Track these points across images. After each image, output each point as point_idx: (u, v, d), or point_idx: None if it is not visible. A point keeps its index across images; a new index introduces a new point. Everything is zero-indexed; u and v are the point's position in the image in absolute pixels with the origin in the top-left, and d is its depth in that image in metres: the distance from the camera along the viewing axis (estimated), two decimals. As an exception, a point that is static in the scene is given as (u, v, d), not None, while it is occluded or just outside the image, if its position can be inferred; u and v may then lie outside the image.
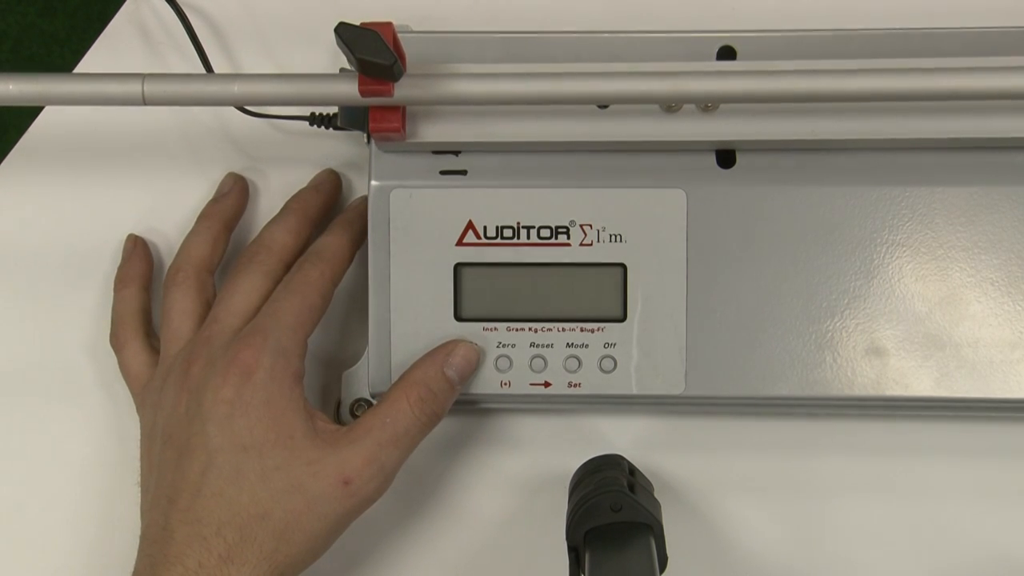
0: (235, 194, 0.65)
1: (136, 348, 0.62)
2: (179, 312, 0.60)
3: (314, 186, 0.65)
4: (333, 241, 0.61)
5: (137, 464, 0.60)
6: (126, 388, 0.62)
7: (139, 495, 0.59)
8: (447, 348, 0.60)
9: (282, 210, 0.63)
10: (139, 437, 0.60)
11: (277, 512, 0.54)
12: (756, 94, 0.53)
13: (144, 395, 0.60)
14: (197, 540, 0.53)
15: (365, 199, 0.61)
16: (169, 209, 0.66)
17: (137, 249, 0.65)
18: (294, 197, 0.64)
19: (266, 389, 0.55)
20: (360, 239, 0.62)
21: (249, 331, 0.57)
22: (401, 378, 0.59)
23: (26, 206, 0.67)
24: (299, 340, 0.57)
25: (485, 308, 0.61)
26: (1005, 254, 0.59)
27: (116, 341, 0.63)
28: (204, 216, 0.64)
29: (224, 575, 0.53)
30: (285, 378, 0.56)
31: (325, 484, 0.55)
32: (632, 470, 0.62)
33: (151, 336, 0.63)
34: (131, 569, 0.55)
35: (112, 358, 0.63)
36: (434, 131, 0.58)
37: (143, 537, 0.56)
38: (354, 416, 0.63)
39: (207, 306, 0.60)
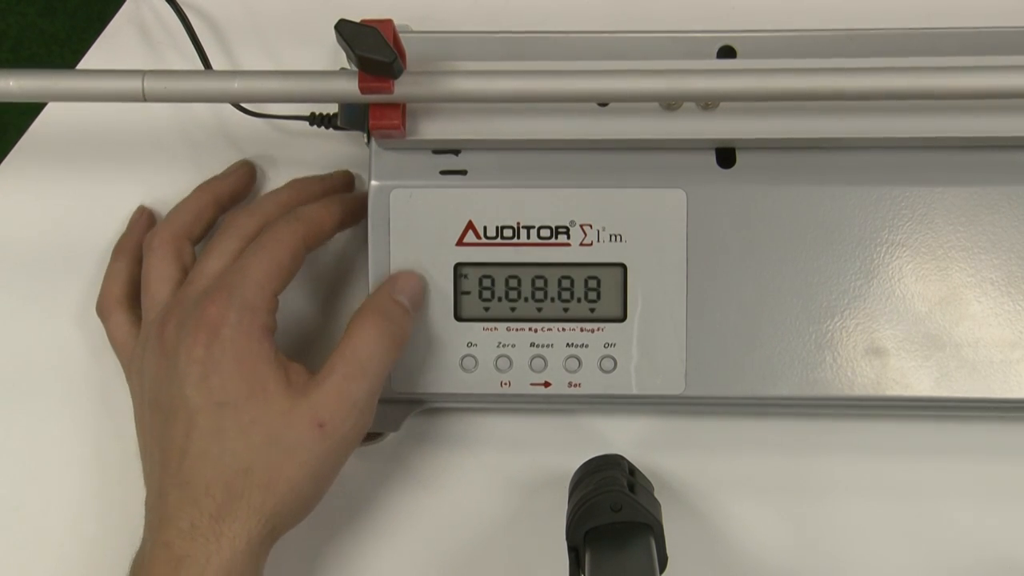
0: (236, 176, 0.65)
1: (121, 318, 0.62)
2: (156, 278, 0.60)
3: (321, 176, 0.65)
4: (315, 207, 0.61)
5: (135, 463, 0.59)
6: (125, 387, 0.62)
7: (136, 492, 0.58)
8: (391, 279, 0.60)
9: (281, 186, 0.64)
10: (135, 433, 0.59)
11: (259, 465, 0.54)
12: (756, 92, 0.54)
13: (130, 363, 0.60)
14: (188, 501, 0.54)
15: (366, 194, 0.61)
16: (169, 209, 0.66)
17: (141, 220, 0.65)
18: (297, 178, 0.64)
19: (235, 345, 0.55)
20: (347, 219, 0.62)
21: (215, 288, 0.56)
22: (354, 314, 0.58)
23: (26, 205, 0.67)
24: (266, 295, 0.57)
25: (485, 308, 0.61)
26: (1005, 254, 0.59)
27: (101, 310, 0.63)
28: (197, 188, 0.64)
29: (216, 532, 0.53)
30: (253, 332, 0.55)
31: (300, 431, 0.55)
32: (632, 470, 0.61)
33: (139, 307, 0.62)
34: (128, 568, 0.56)
35: (111, 355, 0.63)
36: (434, 128, 0.58)
37: (145, 504, 0.57)
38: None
39: (185, 272, 0.60)
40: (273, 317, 0.57)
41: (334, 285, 0.67)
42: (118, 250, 0.64)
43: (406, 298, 0.59)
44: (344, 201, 0.62)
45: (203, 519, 0.53)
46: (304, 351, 0.66)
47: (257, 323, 0.56)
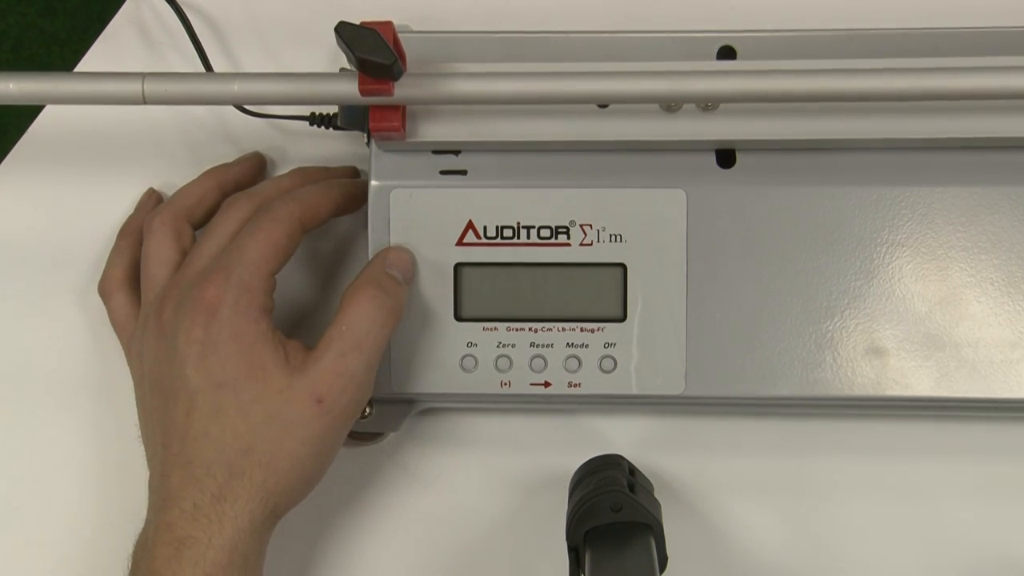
0: (244, 165, 0.65)
1: (122, 299, 0.62)
2: (155, 259, 0.60)
3: (326, 167, 0.65)
4: (312, 189, 0.61)
5: (136, 462, 0.59)
6: (125, 387, 0.62)
7: (136, 490, 0.59)
8: (381, 254, 0.60)
9: (284, 173, 0.64)
10: (138, 432, 0.60)
11: (260, 444, 0.55)
12: (756, 94, 0.54)
13: (130, 345, 0.61)
14: (190, 482, 0.54)
15: (366, 181, 0.61)
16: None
17: (149, 202, 0.66)
18: (301, 167, 0.65)
19: (232, 324, 0.55)
20: (345, 203, 0.62)
21: (212, 268, 0.57)
22: (347, 289, 0.58)
23: (26, 206, 0.67)
24: (263, 275, 0.57)
25: (485, 308, 0.61)
26: (1005, 254, 0.59)
27: (103, 290, 0.63)
28: (204, 173, 0.64)
29: (218, 512, 0.54)
30: (250, 312, 0.56)
31: (299, 407, 0.55)
32: (632, 470, 0.62)
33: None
34: (128, 569, 0.56)
35: (111, 356, 0.63)
36: (434, 130, 0.58)
37: (149, 485, 0.57)
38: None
39: (184, 255, 0.60)
40: (270, 297, 0.57)
41: (336, 276, 0.67)
42: (123, 231, 0.65)
43: (398, 272, 0.59)
44: (343, 185, 0.62)
45: (205, 499, 0.54)
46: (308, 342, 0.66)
47: (255, 303, 0.56)
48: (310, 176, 0.63)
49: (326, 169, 0.65)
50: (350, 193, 0.62)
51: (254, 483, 0.54)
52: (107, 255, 0.64)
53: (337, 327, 0.56)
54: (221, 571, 0.53)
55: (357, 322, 0.56)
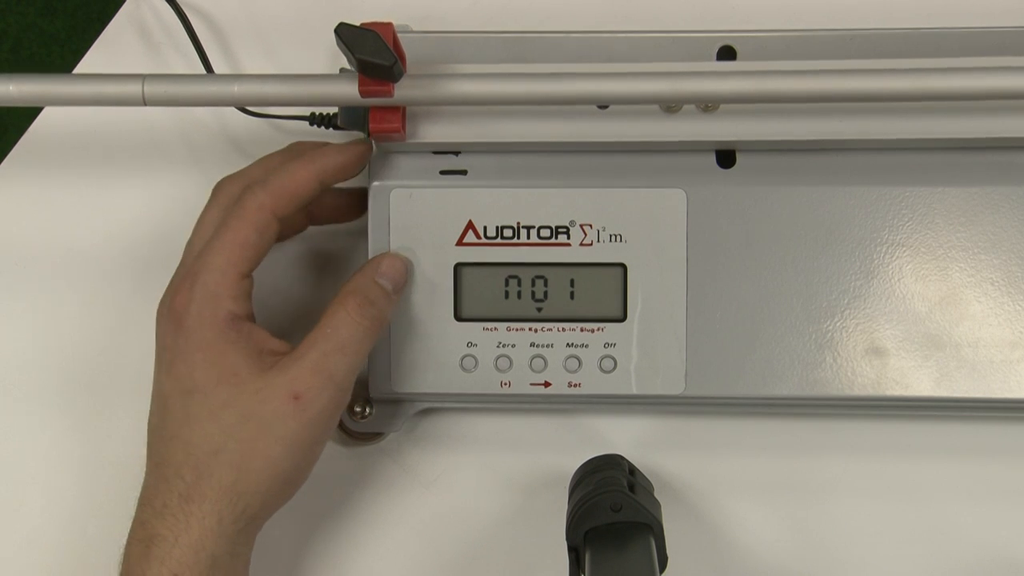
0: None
1: None
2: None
3: (338, 146, 0.59)
4: (287, 169, 0.57)
5: (132, 462, 0.59)
6: (123, 387, 0.63)
7: (132, 491, 0.59)
8: (374, 262, 0.59)
9: (287, 147, 0.61)
10: (133, 433, 0.59)
11: (230, 444, 0.55)
12: (756, 94, 0.54)
13: None
14: (162, 482, 0.55)
15: (353, 146, 0.58)
16: (169, 209, 0.66)
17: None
18: (300, 141, 0.61)
19: (197, 334, 0.55)
20: (333, 172, 0.58)
21: (182, 276, 0.57)
22: (337, 293, 0.58)
23: (25, 206, 0.67)
24: (230, 281, 0.56)
25: (485, 308, 0.61)
26: (1005, 254, 0.59)
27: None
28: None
29: (185, 512, 0.54)
30: (216, 320, 0.55)
31: (275, 405, 0.55)
32: (632, 470, 0.62)
33: None
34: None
35: (106, 359, 0.63)
36: (434, 131, 0.58)
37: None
38: (353, 416, 0.63)
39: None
40: (240, 301, 0.56)
41: (336, 277, 0.67)
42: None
43: (388, 281, 0.59)
44: (325, 154, 0.58)
45: (173, 499, 0.54)
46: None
47: (221, 311, 0.55)
48: (305, 151, 0.59)
49: (335, 147, 0.59)
50: (337, 161, 0.58)
51: (223, 484, 0.54)
52: (107, 255, 0.65)
53: (322, 330, 0.56)
54: (187, 569, 0.53)
55: (342, 327, 0.56)
